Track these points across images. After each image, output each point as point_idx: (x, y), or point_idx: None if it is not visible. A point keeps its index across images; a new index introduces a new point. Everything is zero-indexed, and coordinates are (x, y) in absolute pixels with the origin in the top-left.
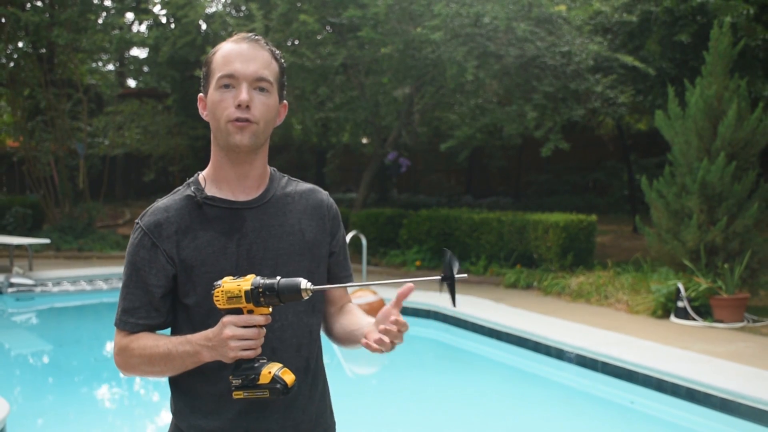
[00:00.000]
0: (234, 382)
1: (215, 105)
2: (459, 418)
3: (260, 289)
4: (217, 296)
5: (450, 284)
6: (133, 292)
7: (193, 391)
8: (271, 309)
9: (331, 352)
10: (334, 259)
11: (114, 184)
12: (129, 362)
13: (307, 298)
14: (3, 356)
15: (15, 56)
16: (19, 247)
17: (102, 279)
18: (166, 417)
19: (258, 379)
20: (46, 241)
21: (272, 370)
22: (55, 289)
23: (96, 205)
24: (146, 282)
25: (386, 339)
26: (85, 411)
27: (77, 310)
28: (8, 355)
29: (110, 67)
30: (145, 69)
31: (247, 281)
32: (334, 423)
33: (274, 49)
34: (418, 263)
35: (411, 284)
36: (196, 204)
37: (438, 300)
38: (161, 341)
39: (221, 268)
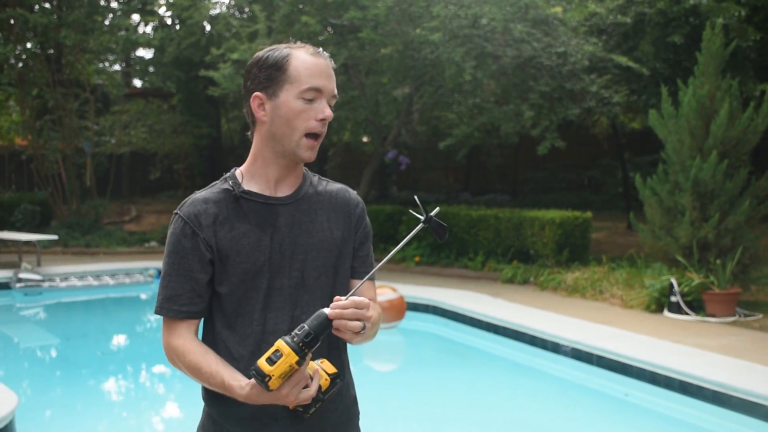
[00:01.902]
0: (310, 412)
1: (295, 114)
2: (457, 411)
3: (301, 345)
4: (273, 383)
5: (432, 222)
6: (176, 279)
7: None
8: (310, 355)
9: None
10: (359, 257)
11: (120, 181)
12: (176, 364)
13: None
14: (12, 350)
15: (24, 57)
16: (27, 243)
17: (109, 274)
18: (172, 409)
19: (321, 389)
20: (54, 237)
21: (320, 371)
22: (63, 284)
23: (103, 203)
24: (190, 269)
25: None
26: (92, 403)
27: (84, 304)
28: (17, 349)
29: (116, 67)
30: (151, 69)
31: (286, 350)
32: (358, 412)
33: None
34: (417, 259)
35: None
36: (234, 197)
37: (437, 295)
38: (205, 362)
39: (255, 259)
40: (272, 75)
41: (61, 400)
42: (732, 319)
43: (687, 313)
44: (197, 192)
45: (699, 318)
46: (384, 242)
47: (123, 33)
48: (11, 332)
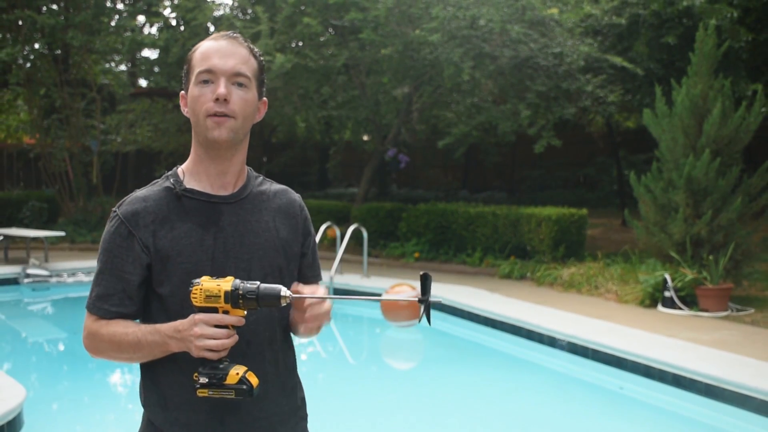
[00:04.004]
0: (201, 380)
1: (194, 100)
2: (455, 404)
3: (240, 292)
4: (195, 294)
5: (426, 305)
6: (107, 279)
7: (167, 381)
8: (245, 312)
9: (334, 340)
10: (306, 260)
11: (126, 179)
12: (98, 347)
13: (284, 305)
14: (20, 344)
15: (31, 57)
16: (35, 239)
17: None
18: None
19: (225, 380)
20: (61, 233)
21: (240, 371)
22: (70, 279)
23: (109, 200)
24: (121, 270)
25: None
26: (99, 396)
27: None
28: (25, 343)
29: (122, 67)
30: (156, 69)
31: (228, 282)
32: (306, 415)
33: (252, 46)
34: (416, 255)
35: (297, 284)
36: (175, 196)
37: (435, 290)
38: (131, 329)
39: (197, 259)
40: (185, 71)
41: (69, 393)
42: (724, 313)
43: (680, 308)
44: (138, 190)
45: (692, 313)
46: (384, 239)
47: (129, 34)
48: (19, 327)
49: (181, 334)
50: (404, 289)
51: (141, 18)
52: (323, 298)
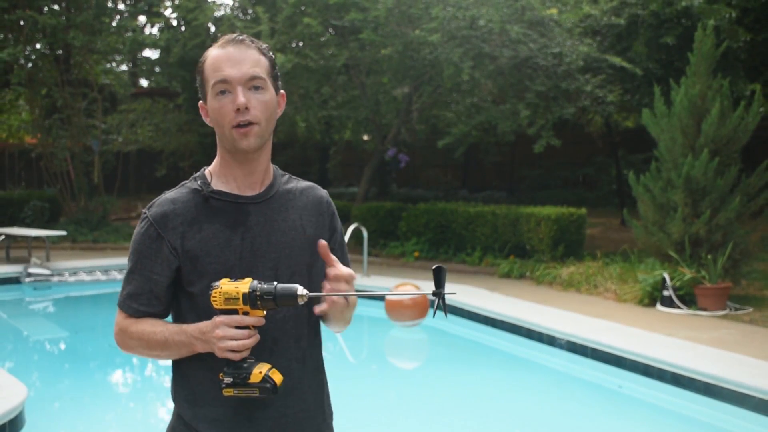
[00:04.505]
0: (225, 380)
1: (216, 112)
2: (454, 402)
3: (258, 293)
4: (215, 297)
5: (440, 298)
6: (137, 279)
7: (196, 378)
8: (265, 312)
9: (333, 339)
10: (333, 255)
11: (127, 178)
12: (128, 343)
13: (302, 303)
14: (21, 343)
15: (33, 57)
16: (36, 238)
17: (116, 269)
18: None
19: (249, 378)
20: (63, 233)
21: (263, 370)
22: (71, 278)
23: (110, 199)
24: (150, 271)
25: (336, 298)
26: (100, 395)
27: (92, 298)
28: (26, 342)
29: (123, 67)
30: (157, 69)
31: (245, 284)
32: (331, 412)
33: (260, 44)
34: (416, 254)
35: (323, 242)
36: (203, 197)
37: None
38: (159, 328)
39: (225, 259)
40: (200, 82)
41: (70, 392)
42: (723, 312)
43: (679, 307)
44: (167, 192)
45: (691, 312)
46: (384, 238)
47: (130, 34)
48: (21, 325)
49: (204, 336)
50: (408, 289)
51: (142, 18)
52: (341, 295)
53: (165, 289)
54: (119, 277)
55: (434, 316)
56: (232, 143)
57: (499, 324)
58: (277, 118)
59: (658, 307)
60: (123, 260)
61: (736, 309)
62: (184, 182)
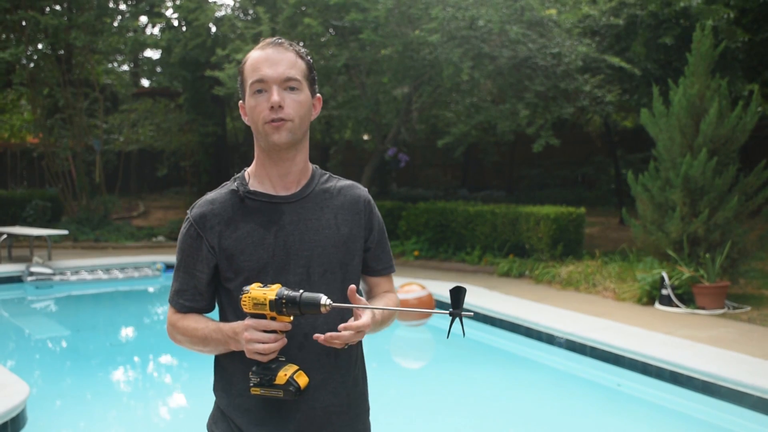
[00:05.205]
0: (253, 379)
1: (252, 110)
2: (454, 401)
3: (283, 300)
4: (245, 301)
5: (455, 318)
6: (182, 276)
7: (231, 370)
8: (292, 318)
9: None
10: (371, 254)
11: (128, 178)
12: (176, 337)
13: (325, 312)
14: (23, 341)
15: (35, 57)
16: (38, 237)
17: (118, 268)
18: (179, 399)
19: (274, 380)
20: (65, 232)
21: (288, 372)
22: (73, 277)
23: (111, 198)
24: (193, 268)
25: (336, 342)
26: (101, 393)
27: (94, 297)
28: (28, 341)
29: (125, 67)
30: (158, 69)
31: (273, 291)
32: (368, 408)
33: (298, 48)
34: (416, 253)
35: (353, 287)
36: (239, 198)
37: (434, 288)
38: (201, 324)
39: (259, 257)
40: (240, 83)
41: (72, 390)
42: (721, 311)
43: (677, 306)
44: (209, 193)
45: (689, 310)
46: None
47: (131, 34)
48: (23, 324)
49: (236, 336)
50: (414, 288)
51: (143, 19)
52: (359, 307)
53: (206, 285)
54: (120, 276)
55: (448, 337)
56: (265, 139)
57: (499, 323)
58: (311, 120)
59: (657, 305)
60: (124, 259)
61: (735, 308)
62: (225, 183)
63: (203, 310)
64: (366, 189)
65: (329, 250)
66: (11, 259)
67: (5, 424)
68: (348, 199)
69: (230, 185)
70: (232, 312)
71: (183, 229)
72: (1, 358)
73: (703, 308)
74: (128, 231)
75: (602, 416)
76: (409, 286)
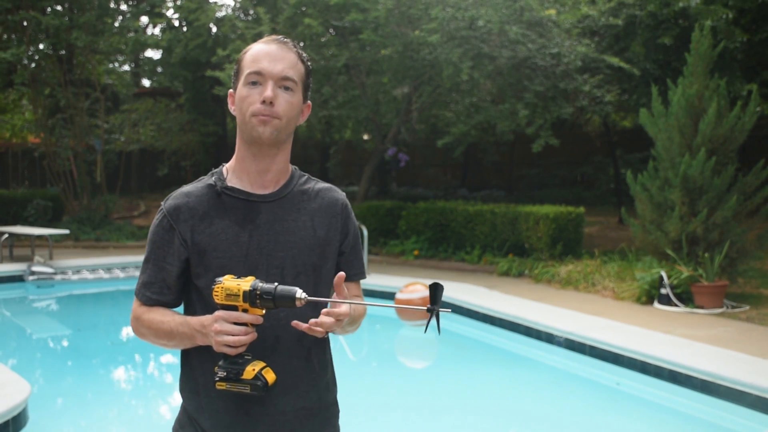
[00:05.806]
0: (219, 373)
1: (242, 99)
2: (453, 400)
3: (258, 292)
4: (217, 291)
5: (433, 314)
6: (151, 268)
7: (200, 369)
8: (264, 311)
9: (333, 337)
10: (345, 258)
11: (129, 178)
12: (140, 330)
13: (300, 306)
14: (24, 340)
15: (36, 57)
16: (39, 237)
17: (119, 267)
18: (180, 398)
19: (242, 374)
20: (66, 231)
21: (256, 368)
22: (74, 277)
23: (112, 198)
24: (163, 261)
25: (318, 329)
26: (102, 392)
27: (95, 297)
28: (29, 340)
29: (126, 67)
30: (159, 69)
31: (247, 282)
32: (337, 411)
33: (301, 51)
34: (416, 252)
35: (342, 273)
36: (216, 193)
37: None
38: (167, 318)
39: (231, 255)
40: (235, 71)
41: (73, 389)
42: (720, 310)
43: (676, 305)
44: (185, 186)
45: (688, 309)
46: (384, 236)
47: (132, 34)
48: (24, 323)
49: (204, 329)
50: (418, 288)
51: (144, 19)
52: (334, 301)
53: (175, 279)
54: (122, 275)
55: (426, 332)
56: (249, 131)
57: (498, 322)
58: (297, 125)
59: (656, 305)
60: (125, 258)
61: (733, 307)
62: (202, 177)
63: (170, 304)
64: (344, 193)
65: (304, 252)
66: (12, 259)
67: (6, 422)
68: (326, 202)
69: (207, 179)
70: (202, 310)
71: (155, 221)
72: (3, 357)
73: (701, 307)
74: (129, 230)
75: (601, 415)
76: (413, 285)
